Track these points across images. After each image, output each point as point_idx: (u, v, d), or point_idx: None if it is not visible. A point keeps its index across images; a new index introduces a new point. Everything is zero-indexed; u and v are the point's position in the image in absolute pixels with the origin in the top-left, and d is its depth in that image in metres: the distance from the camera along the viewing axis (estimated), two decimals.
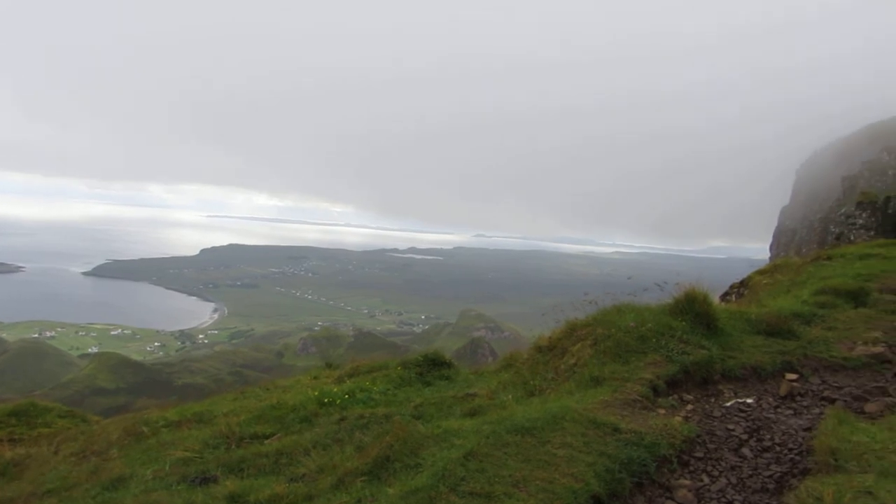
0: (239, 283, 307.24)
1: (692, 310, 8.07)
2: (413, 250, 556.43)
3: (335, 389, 9.16)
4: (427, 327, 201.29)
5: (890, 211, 47.36)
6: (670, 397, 6.80)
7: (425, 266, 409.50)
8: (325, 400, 8.56)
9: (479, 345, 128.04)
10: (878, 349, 7.78)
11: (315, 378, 11.20)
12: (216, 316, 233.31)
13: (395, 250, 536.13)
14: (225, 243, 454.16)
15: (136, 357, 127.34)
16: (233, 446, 7.47)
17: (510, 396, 7.56)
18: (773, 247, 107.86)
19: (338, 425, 7.42)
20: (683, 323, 7.90)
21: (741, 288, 14.59)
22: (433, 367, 9.74)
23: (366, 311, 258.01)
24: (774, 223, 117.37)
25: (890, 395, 6.74)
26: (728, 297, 15.16)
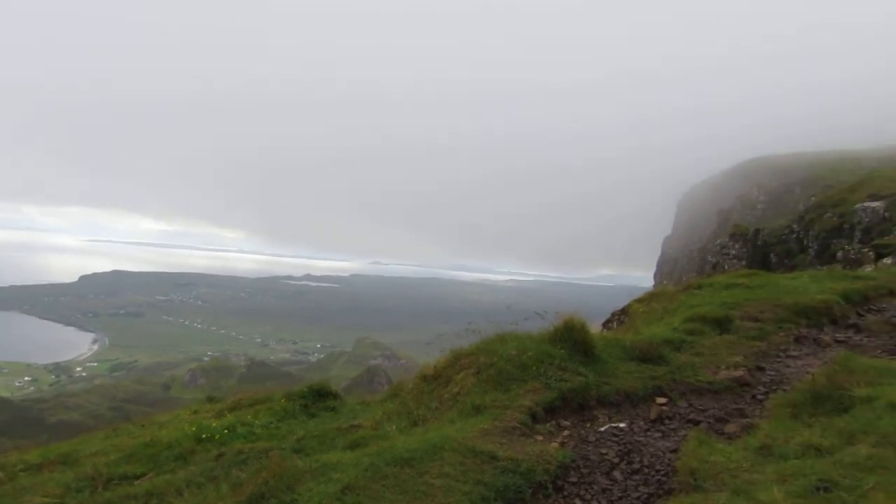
0: (122, 312, 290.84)
1: (571, 338, 8.36)
2: (308, 277, 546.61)
3: (215, 424, 8.81)
4: (323, 356, 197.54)
5: (759, 242, 51.18)
6: (548, 424, 6.99)
7: (321, 294, 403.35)
8: (204, 435, 8.21)
9: (375, 373, 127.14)
10: (739, 373, 8.32)
11: (195, 412, 10.74)
12: (96, 347, 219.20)
13: (290, 277, 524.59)
14: (107, 269, 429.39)
15: (2, 393, 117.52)
16: (99, 489, 7.00)
17: (394, 427, 7.54)
18: (657, 275, 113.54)
19: (215, 462, 7.13)
20: (562, 350, 8.17)
21: (622, 315, 15.25)
22: (319, 398, 9.57)
23: (259, 340, 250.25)
24: (658, 253, 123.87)
25: (747, 416, 7.22)
26: (610, 325, 15.80)
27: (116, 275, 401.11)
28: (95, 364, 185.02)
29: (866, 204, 36.91)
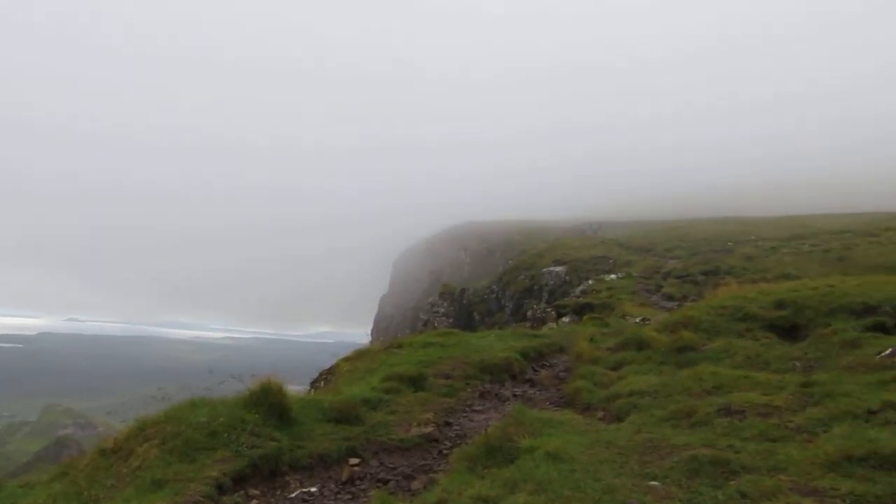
0: None
1: (267, 401, 8.28)
2: None
3: None
4: None
5: (465, 301, 55.62)
6: (236, 494, 6.79)
7: None
8: None
9: (65, 444, 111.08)
10: (429, 429, 8.91)
11: None
12: None
13: None
14: None
15: None
16: None
17: None
18: (374, 331, 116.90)
19: None
20: (257, 415, 8.05)
21: (329, 375, 15.45)
22: None
23: None
24: (376, 310, 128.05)
25: (434, 472, 7.73)
26: (318, 384, 15.89)
27: None
28: None
29: (552, 268, 42.25)
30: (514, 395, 11.05)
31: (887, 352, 8.61)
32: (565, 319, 25.97)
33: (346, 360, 15.04)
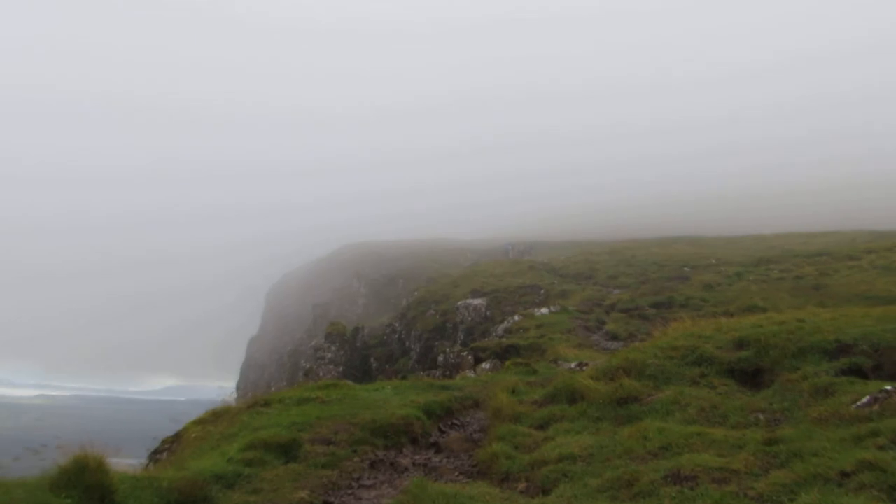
0: None
1: (83, 481, 7.89)
2: None
3: None
4: None
5: (359, 344, 55.19)
6: None
7: None
8: None
9: None
10: None
11: None
12: None
13: None
14: None
15: None
16: None
17: None
18: (241, 384, 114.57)
19: None
20: (69, 500, 7.66)
21: (174, 443, 14.97)
22: None
23: None
24: (243, 357, 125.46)
25: None
26: (159, 456, 15.37)
27: None
28: None
29: (469, 301, 42.67)
30: (415, 465, 11.00)
31: (864, 400, 9.05)
32: (485, 366, 26.23)
33: (198, 422, 14.64)
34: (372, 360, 49.88)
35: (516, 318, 34.64)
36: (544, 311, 34.38)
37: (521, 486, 8.86)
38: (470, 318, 41.12)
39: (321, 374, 48.50)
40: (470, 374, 24.42)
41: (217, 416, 14.85)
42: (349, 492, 9.71)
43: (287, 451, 10.43)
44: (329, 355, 51.56)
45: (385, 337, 52.76)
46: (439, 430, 12.99)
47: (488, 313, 40.76)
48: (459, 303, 42.98)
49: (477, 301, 42.39)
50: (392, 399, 13.67)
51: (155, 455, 15.57)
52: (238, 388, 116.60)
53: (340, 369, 48.98)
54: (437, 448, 11.94)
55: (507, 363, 21.37)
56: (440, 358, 33.14)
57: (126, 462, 10.04)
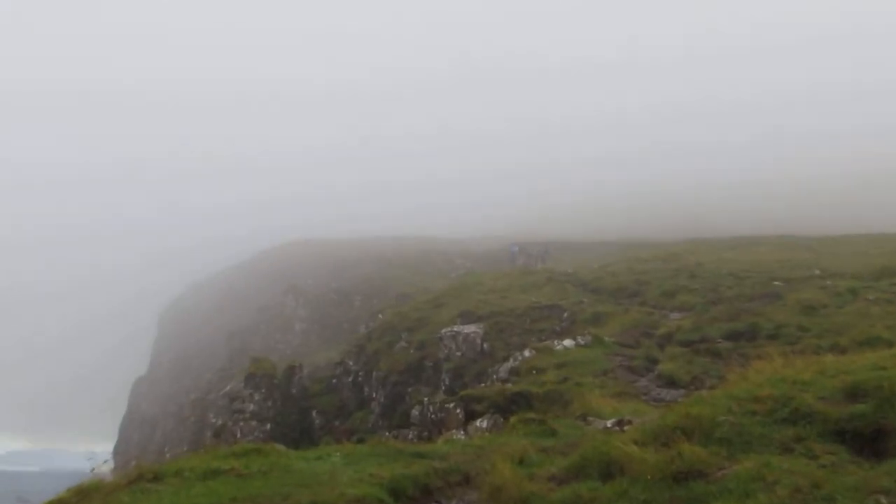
0: None
1: None
2: None
3: None
4: None
5: (294, 391, 54.70)
6: None
7: None
8: None
9: None
10: None
11: None
12: None
13: None
14: None
15: None
16: None
17: None
18: (121, 448, 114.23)
19: None
20: None
21: None
22: None
23: None
24: (124, 408, 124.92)
25: None
26: None
27: None
28: None
29: (458, 328, 42.54)
30: None
31: None
32: (481, 423, 26.16)
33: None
34: (314, 413, 49.77)
35: (527, 353, 34.54)
36: (568, 343, 34.28)
37: None
38: (459, 354, 41.00)
39: (239, 433, 48.23)
40: (458, 434, 24.33)
41: (83, 496, 14.74)
42: None
43: None
44: (251, 407, 51.27)
45: (334, 380, 52.63)
46: None
47: (486, 346, 40.71)
48: (444, 331, 42.91)
49: (469, 328, 42.29)
50: (342, 472, 13.59)
51: None
52: (116, 452, 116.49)
53: (267, 427, 48.74)
54: None
55: (513, 419, 21.28)
56: (415, 411, 33.08)
57: None
